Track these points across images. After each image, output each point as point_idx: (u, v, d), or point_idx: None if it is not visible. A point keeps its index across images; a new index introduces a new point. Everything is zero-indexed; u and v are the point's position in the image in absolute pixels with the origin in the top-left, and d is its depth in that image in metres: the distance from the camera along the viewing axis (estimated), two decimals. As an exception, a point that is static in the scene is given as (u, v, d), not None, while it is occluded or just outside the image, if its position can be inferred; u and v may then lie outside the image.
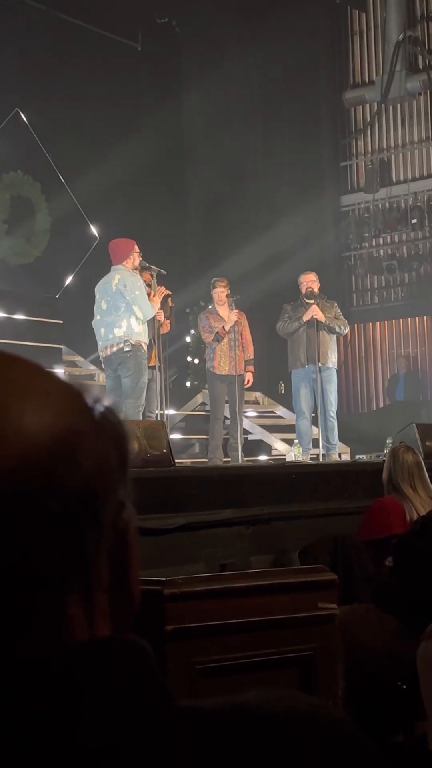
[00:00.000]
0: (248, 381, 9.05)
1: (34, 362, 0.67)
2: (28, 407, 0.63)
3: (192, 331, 11.56)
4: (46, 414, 0.63)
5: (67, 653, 0.61)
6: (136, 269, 7.70)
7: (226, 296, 9.01)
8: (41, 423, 0.63)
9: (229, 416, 9.08)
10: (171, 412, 9.57)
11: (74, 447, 0.63)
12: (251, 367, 9.05)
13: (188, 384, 11.78)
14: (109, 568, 0.66)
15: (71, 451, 0.63)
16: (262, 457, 10.24)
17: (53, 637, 0.62)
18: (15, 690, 0.59)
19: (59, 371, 8.84)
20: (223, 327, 8.84)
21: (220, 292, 9.01)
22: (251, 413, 11.15)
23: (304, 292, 9.13)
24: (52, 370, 0.69)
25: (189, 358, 11.84)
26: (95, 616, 0.64)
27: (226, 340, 8.87)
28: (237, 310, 9.03)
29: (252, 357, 9.08)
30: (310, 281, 9.15)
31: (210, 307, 9.22)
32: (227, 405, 9.03)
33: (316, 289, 9.12)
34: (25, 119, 11.17)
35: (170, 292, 8.34)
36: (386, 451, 6.97)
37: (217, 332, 8.85)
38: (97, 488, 0.64)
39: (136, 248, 7.69)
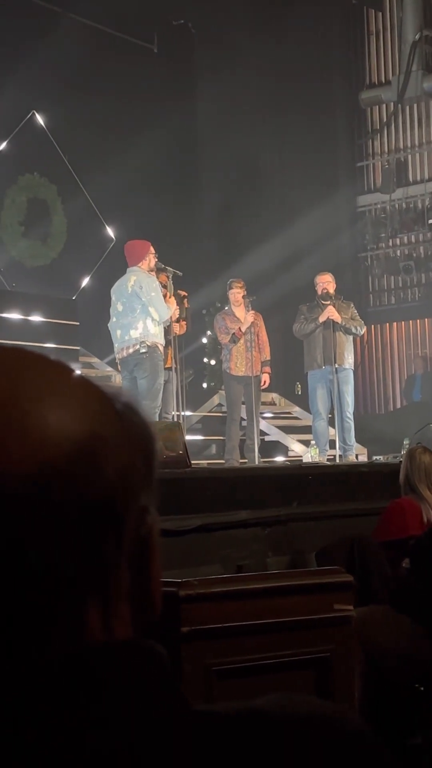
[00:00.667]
0: (265, 382, 9.04)
1: (58, 361, 0.66)
2: (51, 411, 0.62)
3: (208, 332, 11.56)
4: (68, 418, 0.62)
5: (82, 656, 0.61)
6: (152, 271, 7.71)
7: (242, 297, 9.00)
8: (63, 428, 0.61)
9: (245, 417, 9.07)
10: (187, 413, 9.56)
11: (97, 453, 0.62)
12: (268, 368, 9.04)
13: (205, 385, 11.78)
14: (130, 575, 0.65)
15: (93, 457, 0.62)
16: (279, 459, 10.22)
17: (71, 642, 0.61)
18: (32, 693, 0.59)
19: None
20: (240, 328, 8.84)
21: (237, 293, 9.00)
22: (268, 414, 11.14)
23: (319, 293, 9.12)
24: (76, 369, 0.68)
25: (205, 360, 11.84)
26: (114, 623, 0.64)
27: (242, 341, 8.86)
28: (253, 311, 9.02)
29: (269, 358, 9.07)
30: (326, 282, 9.14)
31: (226, 308, 9.22)
32: (244, 406, 9.03)
33: (331, 290, 9.10)
34: (41, 121, 11.21)
35: (186, 294, 8.35)
36: (403, 452, 6.95)
37: (233, 333, 8.84)
38: (118, 495, 0.63)
39: (152, 250, 7.70)
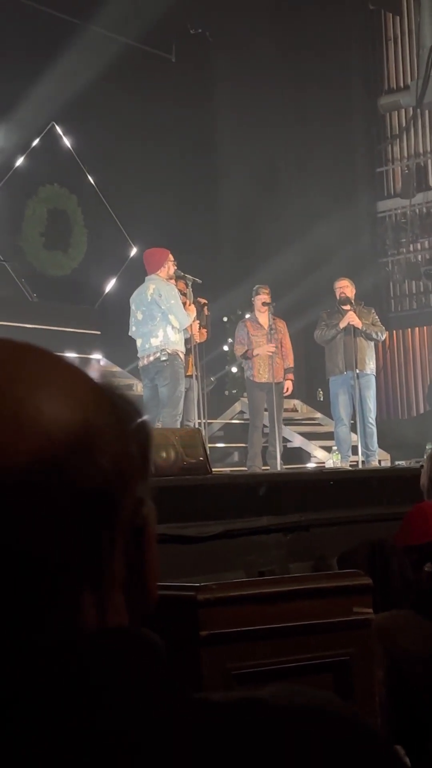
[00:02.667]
0: (287, 389, 9.03)
1: (53, 353, 0.67)
2: (46, 401, 0.62)
3: (229, 340, 11.57)
4: (63, 408, 0.63)
5: (76, 643, 0.61)
6: (171, 278, 7.72)
7: (267, 304, 9.00)
8: (58, 418, 0.62)
9: (267, 424, 9.07)
10: (209, 421, 9.57)
11: (91, 443, 0.63)
12: (291, 375, 9.03)
13: (226, 392, 11.78)
14: (126, 564, 0.66)
15: (88, 447, 0.62)
16: (301, 465, 10.20)
17: (65, 629, 0.62)
18: (25, 679, 0.59)
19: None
20: (253, 351, 8.83)
21: (262, 299, 9.00)
22: (290, 421, 11.12)
23: (338, 297, 9.12)
24: (72, 360, 0.68)
25: (227, 367, 11.84)
26: (108, 611, 0.64)
27: (264, 348, 8.86)
28: (277, 318, 9.04)
29: (292, 365, 9.07)
30: (343, 287, 9.13)
31: (248, 315, 9.23)
32: (266, 413, 9.02)
33: (349, 295, 9.09)
34: (60, 132, 11.27)
35: (206, 301, 8.36)
36: (425, 456, 6.91)
37: (246, 351, 8.87)
38: (113, 485, 0.63)
39: (171, 257, 7.72)
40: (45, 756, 0.57)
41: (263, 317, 8.99)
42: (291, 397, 10.85)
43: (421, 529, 4.64)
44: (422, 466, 5.02)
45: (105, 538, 0.63)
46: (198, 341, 8.30)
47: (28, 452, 0.60)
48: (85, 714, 0.59)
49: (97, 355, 10.17)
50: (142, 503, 0.67)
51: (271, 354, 8.77)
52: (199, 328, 8.27)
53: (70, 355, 9.29)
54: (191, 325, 7.91)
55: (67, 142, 11.32)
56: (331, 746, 0.62)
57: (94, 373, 0.68)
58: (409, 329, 13.76)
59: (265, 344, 8.87)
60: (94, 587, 0.63)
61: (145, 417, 0.69)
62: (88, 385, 0.66)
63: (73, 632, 0.62)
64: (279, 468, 8.66)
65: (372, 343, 9.15)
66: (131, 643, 0.64)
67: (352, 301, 9.10)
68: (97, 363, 10.14)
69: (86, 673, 0.60)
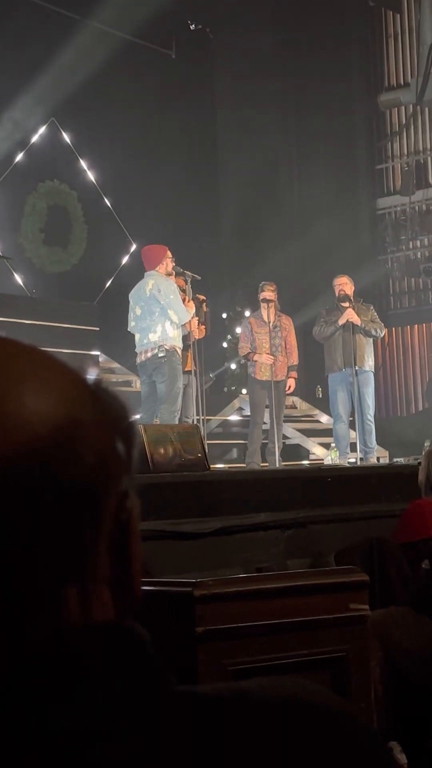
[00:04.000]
0: (290, 387, 9.02)
1: (36, 348, 0.66)
2: (29, 395, 0.62)
3: (229, 336, 11.57)
4: (46, 402, 0.62)
5: (59, 637, 0.61)
6: (169, 274, 7.72)
7: (263, 300, 9.00)
8: (41, 412, 0.62)
9: (267, 421, 9.07)
10: (208, 417, 9.57)
11: (74, 437, 0.62)
12: (294, 373, 9.03)
13: (225, 389, 11.78)
14: (110, 559, 0.66)
15: (71, 441, 0.62)
16: (300, 462, 10.20)
17: (48, 624, 0.61)
18: (7, 674, 0.59)
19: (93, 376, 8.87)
20: (255, 354, 8.83)
21: (265, 296, 9.00)
22: (288, 418, 11.12)
23: (337, 294, 9.12)
24: (56, 356, 0.68)
25: (226, 363, 11.84)
26: (93, 606, 0.64)
27: (267, 345, 8.86)
28: (283, 315, 9.05)
29: (296, 363, 9.06)
30: (342, 284, 9.14)
31: (254, 312, 9.23)
32: (267, 410, 9.02)
33: (349, 292, 9.10)
34: (60, 128, 11.26)
35: (205, 298, 8.36)
36: (424, 453, 6.91)
37: (249, 354, 8.88)
38: (97, 479, 0.63)
39: (169, 254, 7.72)
40: (30, 751, 0.57)
41: (266, 314, 9.00)
42: (290, 394, 10.84)
43: (418, 527, 4.64)
44: (420, 463, 5.03)
45: (89, 531, 0.63)
46: (197, 337, 8.30)
47: (10, 446, 0.60)
48: (68, 708, 0.59)
49: (95, 352, 10.16)
50: (127, 497, 0.67)
51: (270, 364, 8.78)
52: (198, 325, 8.27)
53: (69, 351, 9.29)
54: (190, 321, 7.91)
55: (66, 137, 11.31)
56: (315, 738, 0.62)
57: (82, 368, 0.68)
58: (408, 326, 13.76)
59: (267, 342, 8.86)
60: (79, 581, 0.63)
61: (130, 411, 0.69)
62: (73, 380, 0.66)
63: (57, 627, 0.61)
64: (278, 465, 8.67)
65: (371, 340, 9.15)
66: (117, 637, 0.63)
67: (351, 299, 9.10)
68: (96, 359, 10.13)
69: (70, 668, 0.60)
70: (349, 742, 0.64)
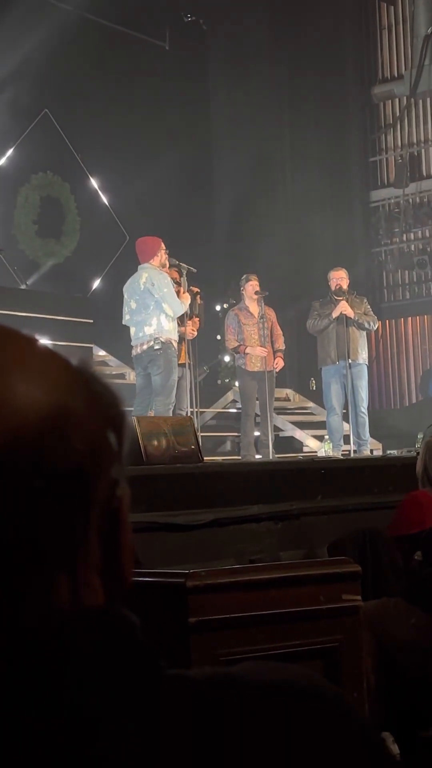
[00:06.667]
0: (277, 365, 8.94)
1: (27, 335, 0.66)
2: (19, 382, 0.62)
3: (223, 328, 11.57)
4: (37, 390, 0.62)
5: (49, 624, 0.61)
6: (163, 267, 7.72)
7: (256, 292, 9.00)
8: (31, 399, 0.62)
9: (260, 413, 9.08)
10: (202, 409, 9.57)
11: (65, 425, 0.62)
12: (281, 354, 8.99)
13: (219, 381, 11.79)
14: (101, 546, 0.66)
15: (61, 429, 0.62)
16: (294, 454, 10.22)
17: (38, 611, 0.62)
18: (3, 657, 0.60)
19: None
20: (244, 348, 8.82)
21: (255, 288, 9.00)
22: (282, 410, 11.13)
23: (333, 288, 9.11)
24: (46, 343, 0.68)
25: (219, 356, 11.85)
26: (83, 592, 0.64)
27: (257, 336, 8.86)
28: (266, 306, 9.03)
29: (282, 347, 9.05)
30: (339, 278, 9.12)
31: (240, 303, 9.22)
32: (258, 402, 9.03)
33: (345, 286, 9.09)
34: (53, 120, 11.23)
35: (199, 290, 8.35)
36: (417, 446, 6.93)
37: (239, 347, 8.86)
38: (87, 467, 0.63)
39: (163, 246, 7.71)
40: (21, 736, 0.58)
41: (254, 306, 8.99)
42: (283, 386, 10.85)
43: (415, 519, 4.63)
44: (416, 454, 5.03)
45: (79, 518, 0.63)
46: (191, 338, 8.29)
47: (1, 433, 0.60)
48: (58, 693, 0.59)
49: (89, 344, 10.15)
50: (117, 485, 0.67)
51: (263, 356, 8.77)
52: (192, 317, 8.26)
53: (62, 343, 9.28)
54: (184, 322, 7.92)
55: (60, 129, 11.28)
56: (302, 722, 0.63)
57: (81, 359, 0.68)
58: (402, 319, 13.77)
59: (257, 333, 8.86)
60: (69, 568, 0.63)
61: (121, 399, 0.69)
62: (63, 368, 0.66)
63: (47, 613, 0.62)
64: (271, 457, 8.67)
65: (364, 333, 9.15)
66: (106, 623, 0.64)
67: (346, 292, 9.09)
68: (90, 351, 10.13)
69: (60, 653, 0.61)
70: (343, 722, 0.65)
